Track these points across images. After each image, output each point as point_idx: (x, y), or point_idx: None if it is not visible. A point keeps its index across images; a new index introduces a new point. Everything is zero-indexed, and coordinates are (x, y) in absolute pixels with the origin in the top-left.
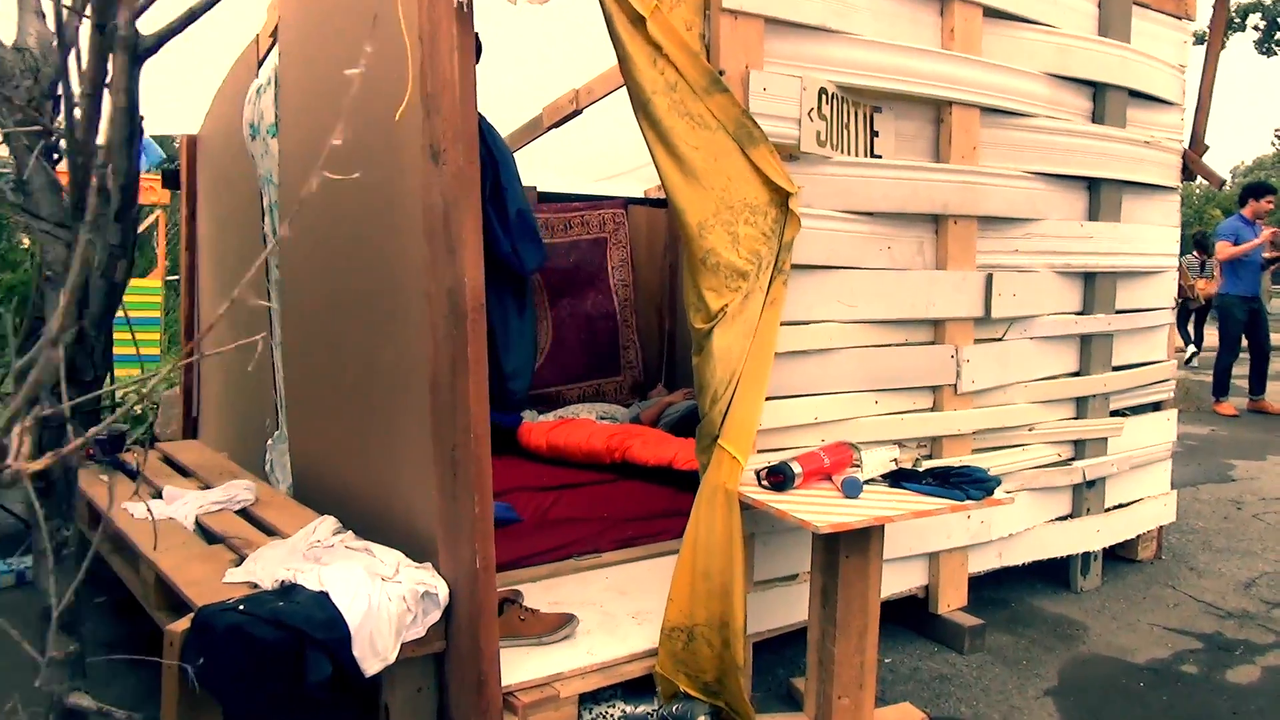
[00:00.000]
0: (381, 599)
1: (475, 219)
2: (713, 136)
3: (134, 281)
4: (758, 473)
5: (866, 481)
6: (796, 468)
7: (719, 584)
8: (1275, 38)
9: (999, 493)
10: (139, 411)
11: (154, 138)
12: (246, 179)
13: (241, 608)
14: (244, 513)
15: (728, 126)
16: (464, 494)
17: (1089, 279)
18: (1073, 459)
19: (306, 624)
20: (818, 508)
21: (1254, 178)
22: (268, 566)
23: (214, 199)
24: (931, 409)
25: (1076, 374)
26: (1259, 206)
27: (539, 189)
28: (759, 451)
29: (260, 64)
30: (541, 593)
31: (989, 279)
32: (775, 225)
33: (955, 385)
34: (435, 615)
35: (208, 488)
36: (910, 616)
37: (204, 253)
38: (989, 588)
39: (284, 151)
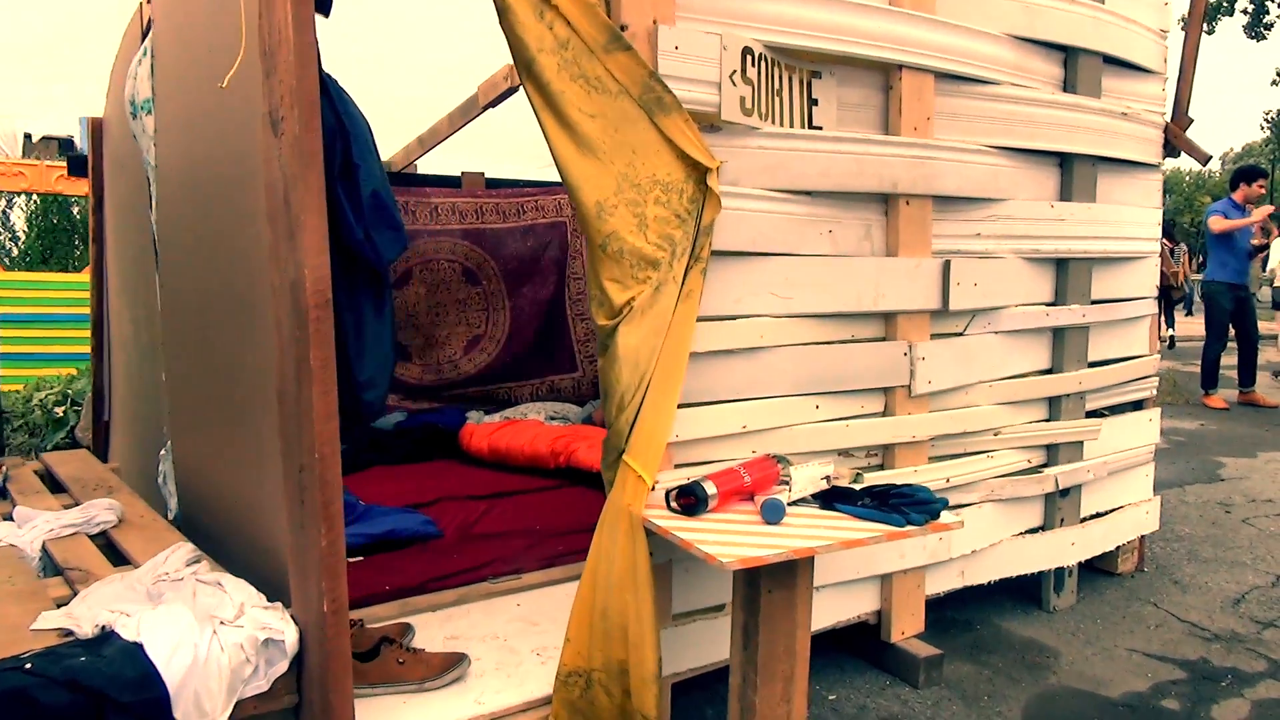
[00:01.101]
0: (212, 649)
1: (317, 198)
2: (614, 103)
3: (64, 276)
4: (667, 494)
5: (794, 503)
6: (710, 488)
7: (617, 624)
8: (1264, 21)
9: (946, 515)
10: (60, 414)
11: None
12: (136, 162)
13: (29, 666)
14: (103, 536)
15: (632, 91)
16: (311, 523)
17: (1061, 266)
18: (1044, 465)
19: (110, 685)
20: (730, 536)
21: (1245, 164)
22: (95, 608)
23: (114, 186)
24: (882, 413)
25: (1048, 371)
26: (1250, 191)
27: (486, 175)
28: (677, 466)
29: (145, 33)
30: (440, 624)
31: (946, 266)
32: (691, 205)
33: (909, 386)
34: (282, 665)
35: (76, 505)
36: (861, 645)
37: (110, 244)
38: (952, 607)
39: (159, 129)
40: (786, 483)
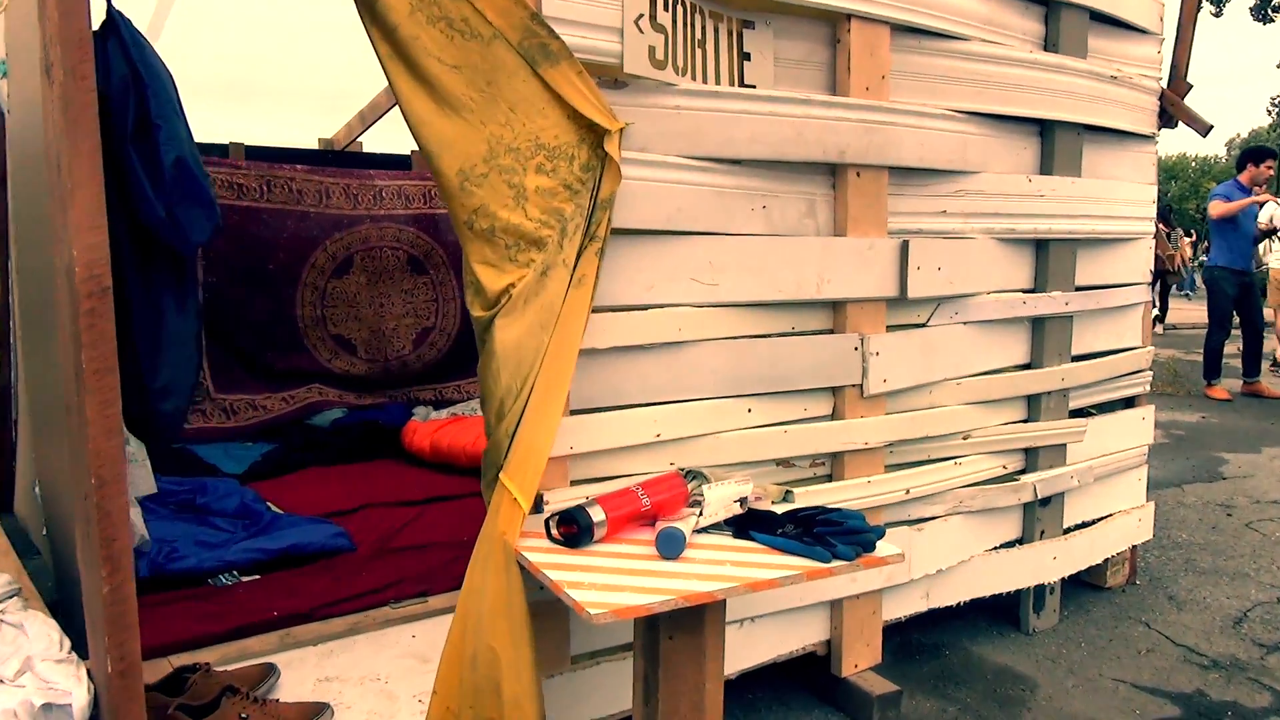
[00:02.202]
0: None
1: (90, 161)
2: (485, 50)
3: None
4: (547, 521)
5: (704, 530)
6: (597, 514)
7: (487, 676)
8: (1272, 4)
9: (883, 546)
10: None
11: None
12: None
13: None
14: None
15: (509, 36)
16: (91, 564)
17: (1041, 247)
18: (1022, 472)
19: None
20: (615, 576)
21: (1254, 144)
22: None
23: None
24: (830, 417)
25: (1026, 366)
26: (1258, 173)
27: (245, 144)
28: (574, 484)
29: None
30: (318, 661)
31: (904, 248)
32: (585, 175)
33: (861, 385)
34: None
35: None
36: (810, 676)
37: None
38: (918, 629)
39: (12, 97)
40: (700, 503)
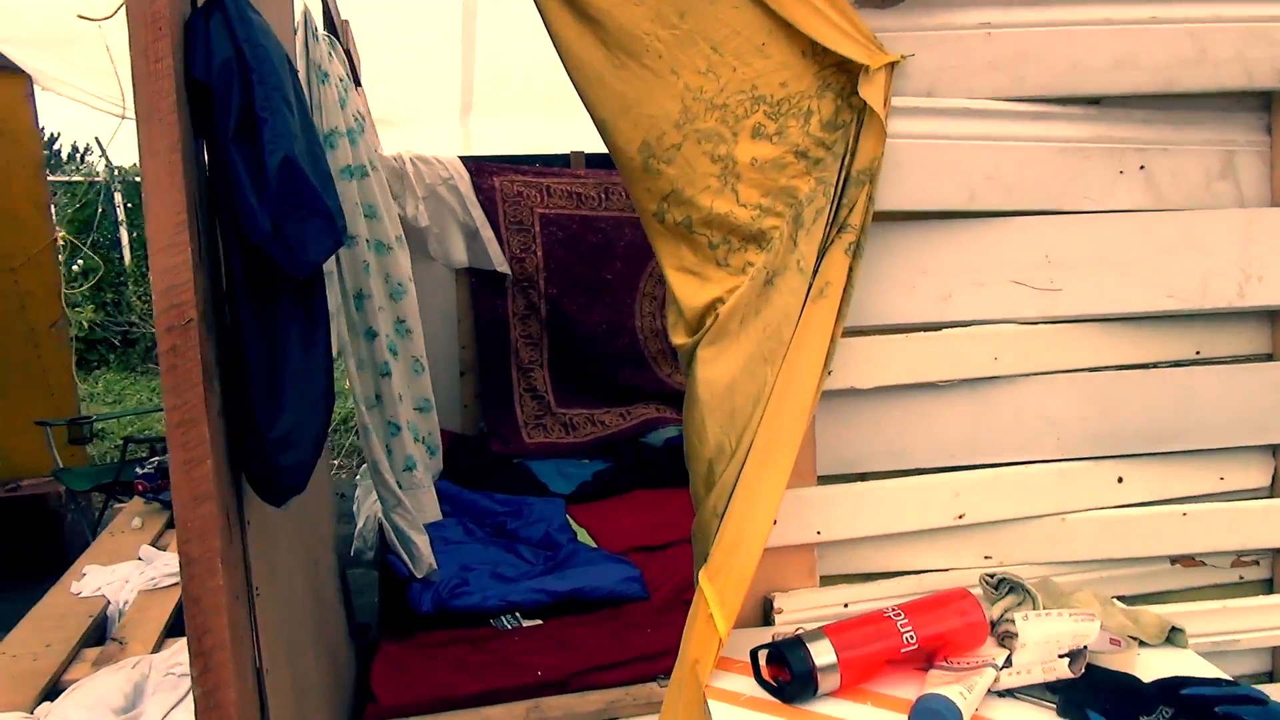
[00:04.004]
0: None
1: (164, 160)
2: None
3: None
4: (754, 654)
5: (1010, 693)
6: (822, 654)
7: None
8: None
9: None
10: None
11: None
12: None
13: None
14: None
15: None
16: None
17: None
18: None
19: None
20: None
21: None
22: (56, 716)
23: None
24: (1269, 492)
25: None
26: None
27: (585, 152)
28: (825, 581)
29: None
30: None
31: None
32: (830, 135)
33: None
34: None
35: None
36: None
37: None
38: None
39: None
40: (1010, 639)
